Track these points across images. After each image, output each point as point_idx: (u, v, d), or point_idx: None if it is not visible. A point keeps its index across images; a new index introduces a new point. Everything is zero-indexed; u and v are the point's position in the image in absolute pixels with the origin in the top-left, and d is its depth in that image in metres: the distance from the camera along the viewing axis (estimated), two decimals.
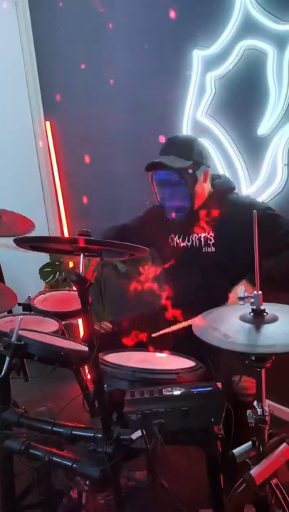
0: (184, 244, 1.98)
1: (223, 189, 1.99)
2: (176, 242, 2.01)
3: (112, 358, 1.49)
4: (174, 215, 1.96)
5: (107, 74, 2.90)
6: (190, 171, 1.88)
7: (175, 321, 1.78)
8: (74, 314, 1.89)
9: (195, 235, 1.94)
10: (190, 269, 1.95)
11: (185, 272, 1.96)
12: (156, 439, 1.20)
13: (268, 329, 1.21)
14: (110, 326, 1.97)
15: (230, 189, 2.01)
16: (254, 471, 1.20)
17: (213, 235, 1.90)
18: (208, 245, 1.91)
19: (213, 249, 1.90)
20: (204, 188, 1.95)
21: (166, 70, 2.65)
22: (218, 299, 1.72)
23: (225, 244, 1.88)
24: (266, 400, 1.27)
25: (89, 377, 1.51)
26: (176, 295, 1.93)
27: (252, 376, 1.49)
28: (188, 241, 1.96)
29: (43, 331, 1.63)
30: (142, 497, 1.44)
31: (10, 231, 1.95)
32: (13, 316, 1.79)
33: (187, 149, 1.91)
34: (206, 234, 1.92)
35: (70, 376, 1.50)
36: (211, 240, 1.91)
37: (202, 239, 1.92)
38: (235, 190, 2.04)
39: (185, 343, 1.66)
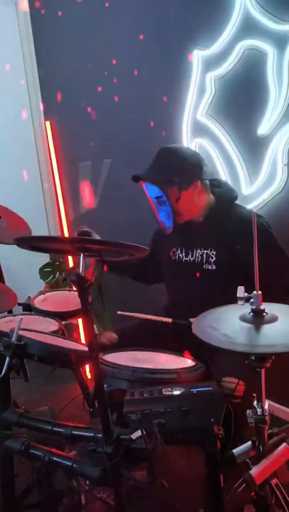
0: (187, 258, 1.94)
1: (225, 200, 1.93)
2: (179, 256, 1.97)
3: (112, 357, 1.49)
4: (162, 226, 1.95)
5: (107, 74, 2.90)
6: (172, 185, 1.85)
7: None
8: (74, 314, 1.89)
9: (198, 251, 1.90)
10: (190, 284, 1.91)
11: (185, 287, 1.93)
12: (156, 439, 1.20)
13: (267, 329, 1.21)
14: (115, 336, 1.94)
15: (232, 199, 1.95)
16: (254, 471, 1.20)
17: (214, 252, 1.86)
18: (210, 263, 1.87)
19: (214, 267, 1.86)
20: (198, 200, 1.90)
21: (166, 70, 2.65)
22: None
23: (226, 263, 1.83)
24: (266, 400, 1.28)
25: (89, 377, 1.51)
26: (176, 308, 1.92)
27: (245, 379, 1.49)
28: (192, 256, 1.92)
29: (43, 331, 1.63)
30: (141, 497, 1.44)
31: (9, 235, 1.95)
32: (13, 316, 1.78)
33: (170, 163, 1.88)
34: (207, 251, 1.88)
35: (70, 376, 1.50)
36: (212, 258, 1.87)
37: (204, 255, 1.89)
38: (238, 198, 1.99)
39: (185, 343, 1.67)
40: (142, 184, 1.94)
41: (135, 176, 1.91)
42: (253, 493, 1.25)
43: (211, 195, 1.95)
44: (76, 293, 1.24)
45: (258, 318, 1.24)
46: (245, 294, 1.26)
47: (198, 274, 1.89)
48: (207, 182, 1.93)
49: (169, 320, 1.78)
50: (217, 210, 1.91)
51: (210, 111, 2.54)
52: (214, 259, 1.86)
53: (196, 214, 1.91)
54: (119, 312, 1.85)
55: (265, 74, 2.32)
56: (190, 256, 1.93)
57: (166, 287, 2.10)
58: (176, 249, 1.98)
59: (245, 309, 1.27)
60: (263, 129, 2.38)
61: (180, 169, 1.87)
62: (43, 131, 3.39)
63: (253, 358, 1.22)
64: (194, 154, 1.96)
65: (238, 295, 1.26)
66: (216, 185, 1.98)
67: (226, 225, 1.85)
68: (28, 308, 1.91)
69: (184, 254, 1.96)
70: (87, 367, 1.52)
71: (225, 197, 1.94)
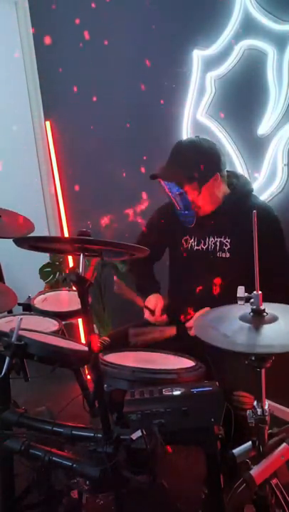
0: (199, 247, 1.92)
1: (242, 192, 1.92)
2: (191, 245, 1.95)
3: (112, 358, 1.49)
4: (183, 220, 1.92)
5: (108, 74, 2.91)
6: (192, 182, 1.83)
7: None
8: (74, 314, 1.89)
9: (212, 239, 1.89)
10: (202, 273, 1.89)
11: (196, 275, 1.91)
12: (156, 439, 1.20)
13: (267, 329, 1.21)
14: (108, 339, 1.90)
15: (249, 191, 1.94)
16: (254, 471, 1.20)
17: (229, 240, 1.86)
18: (223, 250, 1.87)
19: (228, 254, 1.86)
20: (217, 191, 1.88)
21: (166, 70, 2.65)
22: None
23: (240, 251, 1.82)
24: (266, 400, 1.27)
25: (89, 377, 1.51)
26: (181, 298, 1.92)
27: (246, 380, 1.49)
28: (205, 244, 1.91)
29: (43, 331, 1.63)
30: (142, 497, 1.44)
31: (10, 231, 1.95)
32: (13, 316, 1.78)
33: (188, 159, 1.86)
34: (221, 239, 1.87)
35: (70, 376, 1.50)
36: (226, 246, 1.86)
37: (218, 243, 1.88)
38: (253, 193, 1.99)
39: (185, 343, 1.67)
40: (161, 181, 1.91)
41: (154, 175, 1.88)
42: (253, 493, 1.25)
43: (227, 187, 1.93)
44: (76, 293, 1.24)
45: (258, 318, 1.24)
46: (246, 294, 1.26)
47: (210, 262, 1.88)
48: (225, 173, 1.92)
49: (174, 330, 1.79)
50: (232, 201, 1.89)
51: (210, 111, 2.54)
52: (228, 247, 1.86)
53: (214, 205, 1.90)
54: (131, 330, 1.82)
55: (265, 74, 2.32)
56: (202, 244, 1.92)
57: (172, 278, 2.07)
58: (188, 238, 1.96)
59: (246, 309, 1.27)
60: (263, 129, 2.38)
61: (199, 164, 1.84)
62: (43, 131, 3.39)
63: (253, 358, 1.22)
64: (212, 146, 1.91)
65: (238, 295, 1.26)
66: (233, 176, 1.96)
67: (242, 215, 1.83)
68: (28, 308, 1.90)
69: (196, 242, 1.94)
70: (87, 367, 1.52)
71: (241, 189, 1.93)
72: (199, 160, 1.84)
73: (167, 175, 1.87)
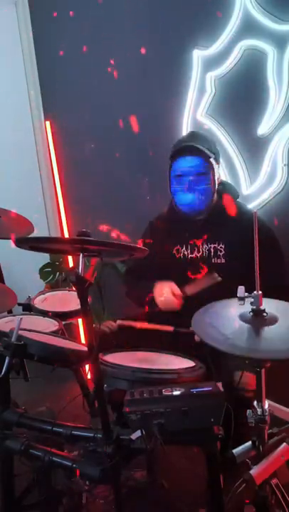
0: (193, 255, 1.91)
1: (229, 197, 1.92)
2: (184, 254, 1.94)
3: (112, 357, 1.49)
4: (188, 210, 1.87)
5: (107, 74, 2.90)
6: (213, 161, 1.84)
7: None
8: (74, 314, 1.88)
9: (205, 246, 1.89)
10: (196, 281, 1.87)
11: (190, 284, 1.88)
12: (156, 439, 1.20)
13: (267, 332, 1.20)
14: (115, 324, 1.90)
15: (234, 197, 1.95)
16: (254, 471, 1.20)
17: (223, 246, 1.86)
18: (218, 256, 1.86)
19: (223, 260, 1.85)
20: (213, 191, 1.88)
21: (166, 70, 2.65)
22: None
23: (235, 256, 1.82)
24: (266, 400, 1.27)
25: (89, 377, 1.51)
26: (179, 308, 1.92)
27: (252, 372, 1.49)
28: (198, 251, 1.90)
29: (43, 331, 1.63)
30: (142, 497, 1.44)
31: (10, 231, 1.95)
32: (13, 316, 1.78)
33: (209, 142, 1.90)
34: (215, 245, 1.87)
35: (70, 376, 1.50)
36: (221, 252, 1.86)
37: (212, 250, 1.88)
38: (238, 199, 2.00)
39: (185, 343, 1.67)
40: (170, 163, 1.86)
41: (185, 147, 1.83)
42: (253, 493, 1.25)
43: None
44: (76, 293, 1.23)
45: (257, 320, 1.23)
46: (246, 294, 1.26)
47: (206, 269, 1.86)
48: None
49: (171, 328, 1.78)
50: (221, 207, 1.89)
51: (210, 111, 2.54)
52: (223, 252, 1.86)
53: (206, 208, 1.89)
54: (118, 321, 1.83)
55: (265, 74, 2.32)
56: (196, 252, 1.91)
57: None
58: (180, 247, 1.95)
59: (246, 307, 1.27)
60: (263, 129, 2.39)
61: (216, 151, 1.89)
62: (43, 131, 3.39)
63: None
64: None
65: (238, 295, 1.26)
66: (219, 183, 1.96)
67: (232, 220, 1.84)
68: (28, 308, 1.91)
69: (189, 250, 1.93)
70: (87, 367, 1.52)
71: (229, 194, 1.93)
72: (215, 145, 1.92)
73: (195, 148, 1.82)
